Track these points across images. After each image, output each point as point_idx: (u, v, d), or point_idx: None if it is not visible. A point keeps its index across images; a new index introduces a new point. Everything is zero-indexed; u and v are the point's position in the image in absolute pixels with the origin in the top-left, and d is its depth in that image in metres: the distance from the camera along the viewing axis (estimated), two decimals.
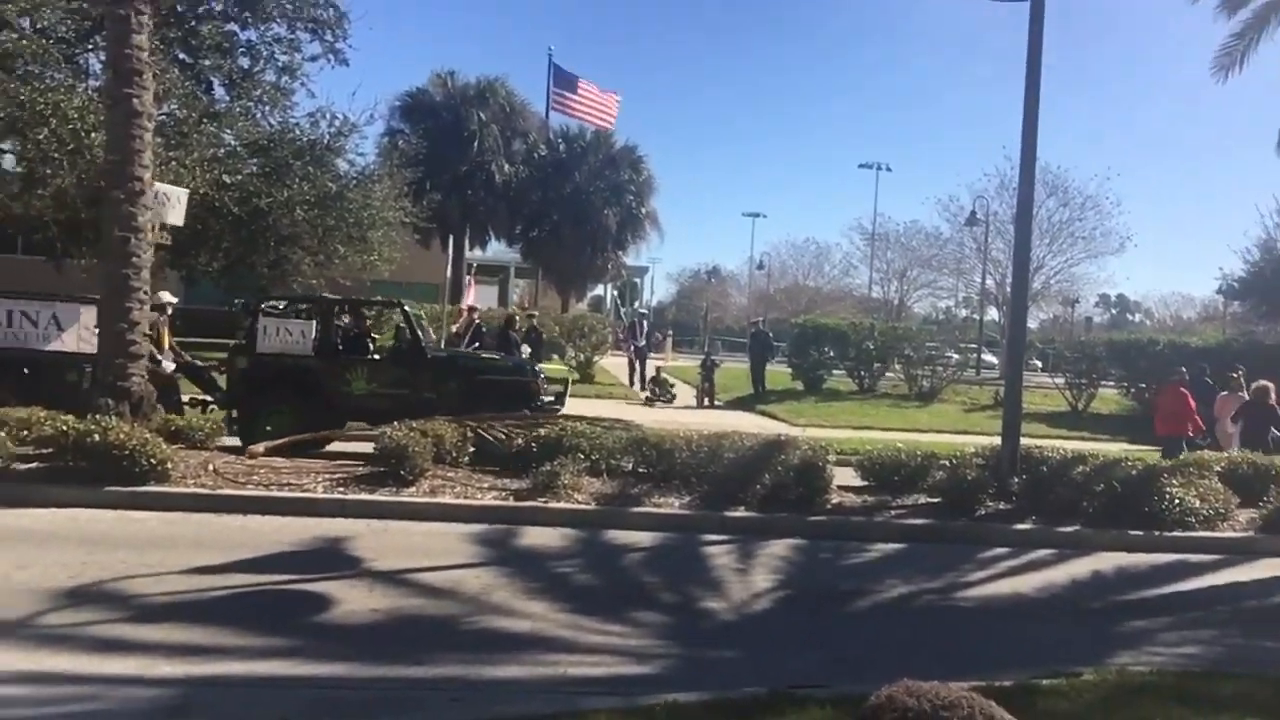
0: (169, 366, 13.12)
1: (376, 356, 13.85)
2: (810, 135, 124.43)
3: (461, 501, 9.52)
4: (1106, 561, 9.10)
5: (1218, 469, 11.33)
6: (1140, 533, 9.81)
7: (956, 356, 31.76)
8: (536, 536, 8.80)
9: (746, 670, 5.78)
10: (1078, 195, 42.44)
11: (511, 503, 9.55)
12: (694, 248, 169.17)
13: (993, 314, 48.32)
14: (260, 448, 10.93)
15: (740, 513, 9.71)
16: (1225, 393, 15.31)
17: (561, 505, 9.50)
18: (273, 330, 13.09)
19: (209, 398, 13.30)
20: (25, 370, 12.04)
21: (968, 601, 7.85)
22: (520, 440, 10.76)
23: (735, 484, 9.99)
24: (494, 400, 12.53)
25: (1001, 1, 11.71)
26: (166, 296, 14.45)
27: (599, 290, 58.41)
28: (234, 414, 12.58)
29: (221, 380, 13.66)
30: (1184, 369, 16.40)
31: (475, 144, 36.36)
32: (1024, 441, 11.34)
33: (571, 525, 9.19)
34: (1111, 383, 26.21)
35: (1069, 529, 9.86)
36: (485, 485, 9.96)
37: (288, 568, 7.43)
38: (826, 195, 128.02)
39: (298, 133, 21.59)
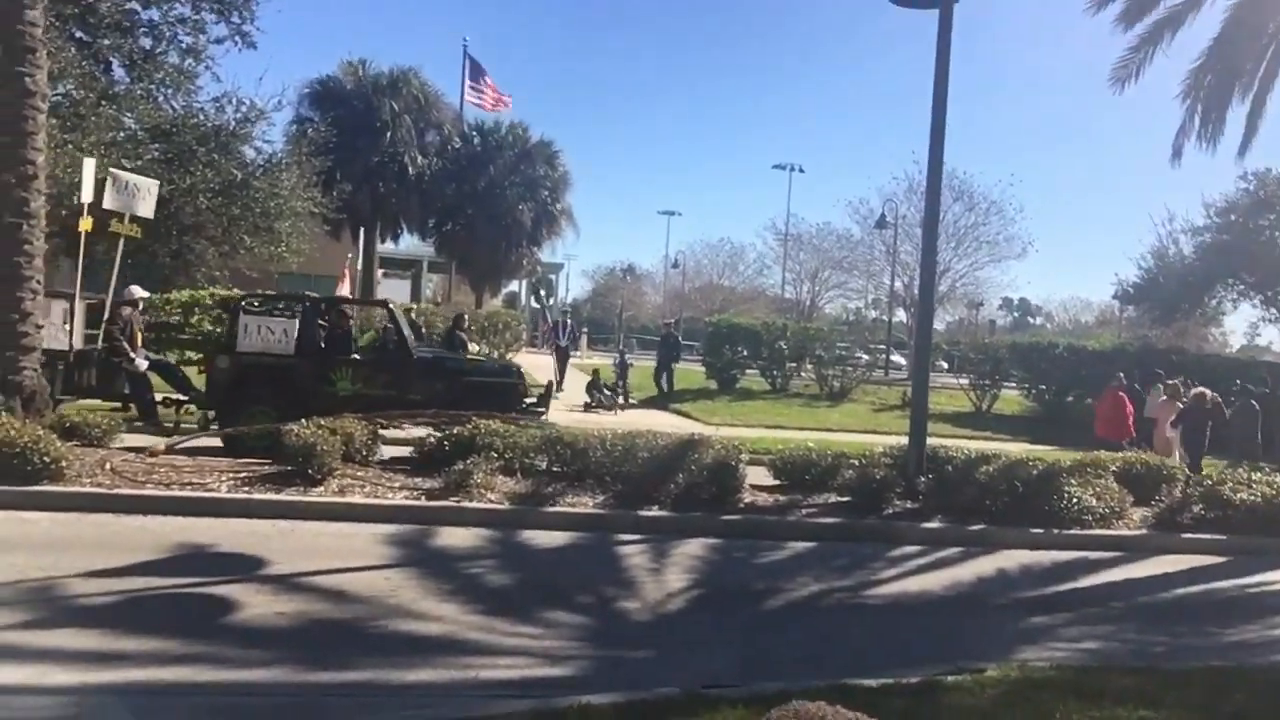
0: (142, 364, 12.68)
1: (360, 357, 13.45)
2: (726, 135, 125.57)
3: (371, 501, 9.33)
4: (1010, 559, 9.36)
5: (1113, 469, 11.75)
6: (1041, 530, 10.10)
7: (866, 357, 32.36)
8: (449, 537, 8.67)
9: (660, 670, 5.77)
10: (982, 200, 43.56)
11: (423, 502, 9.39)
12: (610, 245, 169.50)
13: (901, 315, 49.27)
14: (162, 445, 10.57)
15: (654, 512, 9.71)
16: (1164, 398, 16.08)
17: (474, 505, 9.38)
18: (254, 329, 12.63)
19: (183, 396, 12.86)
20: None
21: (877, 599, 7.98)
22: (432, 438, 10.61)
23: (649, 483, 9.99)
24: (480, 402, 12.31)
25: (911, 9, 11.89)
26: (138, 292, 14.01)
27: (514, 286, 58.01)
28: (211, 414, 12.30)
29: (198, 379, 13.26)
30: (1123, 375, 17.34)
31: (388, 134, 35.72)
32: (931, 441, 11.61)
33: (484, 525, 9.08)
34: (1014, 384, 27.02)
35: (974, 527, 10.10)
36: (396, 484, 9.78)
37: (190, 570, 7.18)
38: (741, 195, 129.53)
39: (202, 118, 20.89)
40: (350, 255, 20.11)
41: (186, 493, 9.08)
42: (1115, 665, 6.12)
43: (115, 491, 8.94)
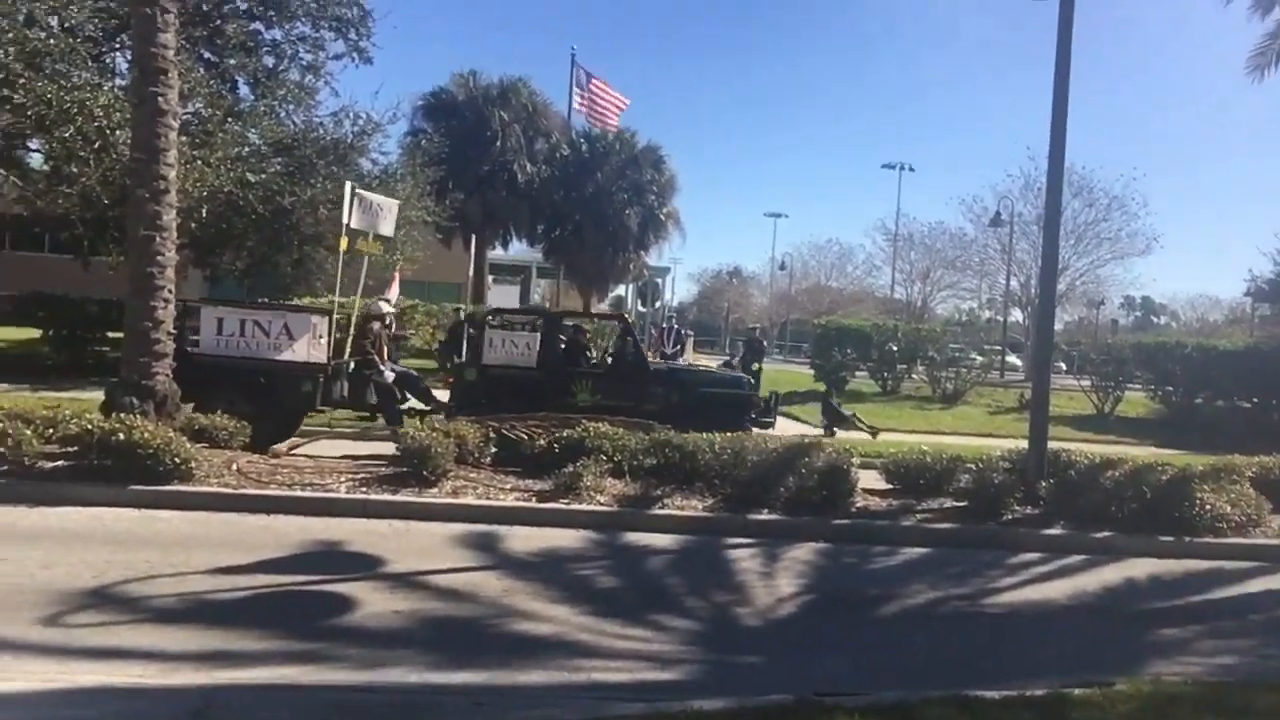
0: (389, 376, 13.33)
1: (599, 370, 14.08)
2: (833, 135, 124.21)
3: (484, 502, 9.47)
4: (1138, 568, 8.96)
5: (1249, 474, 11.16)
6: (1171, 539, 9.65)
7: (980, 358, 31.56)
8: (559, 538, 8.74)
9: (772, 676, 5.70)
10: (1103, 196, 42.19)
11: (534, 504, 9.49)
12: (715, 248, 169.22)
13: (1016, 315, 47.92)
14: (284, 447, 10.93)
15: (764, 515, 9.62)
16: None
17: (584, 507, 9.43)
18: (498, 342, 13.38)
19: (426, 407, 13.47)
20: (261, 380, 12.27)
21: (996, 608, 7.73)
22: (543, 441, 10.71)
23: (759, 486, 9.90)
24: (714, 413, 12.66)
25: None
26: (386, 307, 14.88)
27: (620, 290, 58.41)
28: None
29: (439, 391, 14.03)
30: None
31: (497, 144, 36.31)
32: (1051, 445, 11.21)
33: (594, 527, 9.13)
34: (1138, 385, 25.94)
35: (1099, 535, 9.71)
36: (508, 486, 9.91)
37: (310, 568, 7.40)
38: (849, 196, 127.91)
39: (321, 132, 21.60)
40: (400, 260, 20.39)
41: (308, 493, 9.36)
42: (1256, 681, 5.79)
43: (240, 491, 9.27)
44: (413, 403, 13.37)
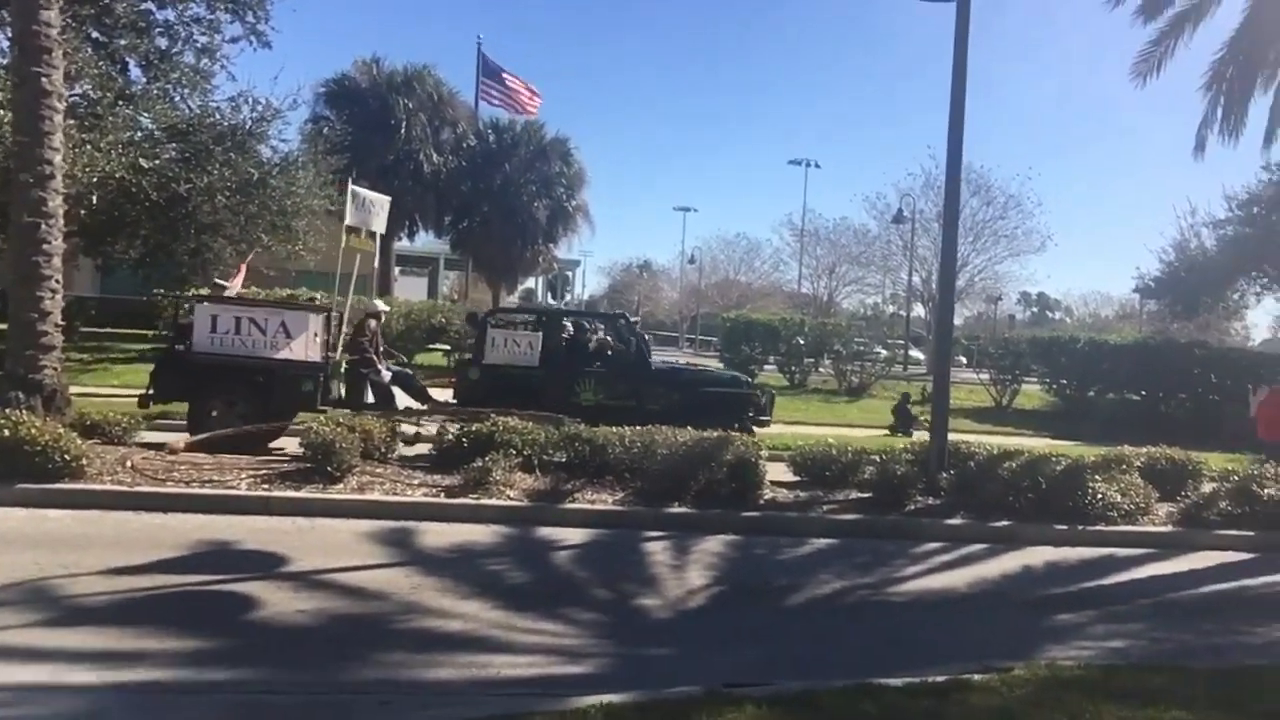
0: (386, 375, 13.18)
1: (602, 369, 14.01)
2: (742, 131, 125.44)
3: (391, 498, 9.31)
4: (1035, 556, 9.26)
5: (1138, 464, 11.62)
6: (1066, 527, 9.99)
7: (885, 352, 32.23)
8: (468, 534, 8.64)
9: (682, 668, 5.72)
10: (1000, 194, 43.35)
11: (442, 499, 9.36)
12: (626, 241, 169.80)
13: (919, 310, 49.07)
14: (181, 443, 10.58)
15: (675, 509, 9.66)
16: None
17: (494, 502, 9.35)
18: (501, 342, 13.48)
19: (422, 406, 13.28)
20: (260, 380, 11.95)
21: (900, 596, 7.90)
22: (451, 435, 10.58)
23: (670, 480, 9.93)
24: (716, 412, 12.86)
25: (928, 1, 11.78)
26: (380, 305, 14.82)
27: (530, 283, 58.02)
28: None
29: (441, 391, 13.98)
30: None
31: (402, 132, 35.66)
32: (951, 437, 11.50)
33: (504, 522, 9.05)
34: (1034, 379, 26.83)
35: (998, 524, 10.00)
36: (415, 482, 9.76)
37: (210, 568, 7.17)
38: (758, 191, 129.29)
39: (218, 117, 20.90)
40: (249, 252, 20.05)
41: (207, 490, 9.08)
42: (1145, 664, 6.03)
43: (135, 489, 8.95)
44: (409, 402, 13.25)
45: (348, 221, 13.55)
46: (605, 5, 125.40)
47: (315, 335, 12.09)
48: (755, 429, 13.23)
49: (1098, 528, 10.06)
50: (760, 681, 5.21)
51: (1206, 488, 11.44)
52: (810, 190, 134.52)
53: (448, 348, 26.25)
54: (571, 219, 40.20)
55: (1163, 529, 10.41)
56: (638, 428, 10.70)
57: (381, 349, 13.43)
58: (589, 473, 10.24)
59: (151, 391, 12.06)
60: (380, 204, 14.29)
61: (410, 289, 45.04)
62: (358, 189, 14.10)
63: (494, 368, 13.17)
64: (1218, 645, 6.89)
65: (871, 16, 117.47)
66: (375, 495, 9.35)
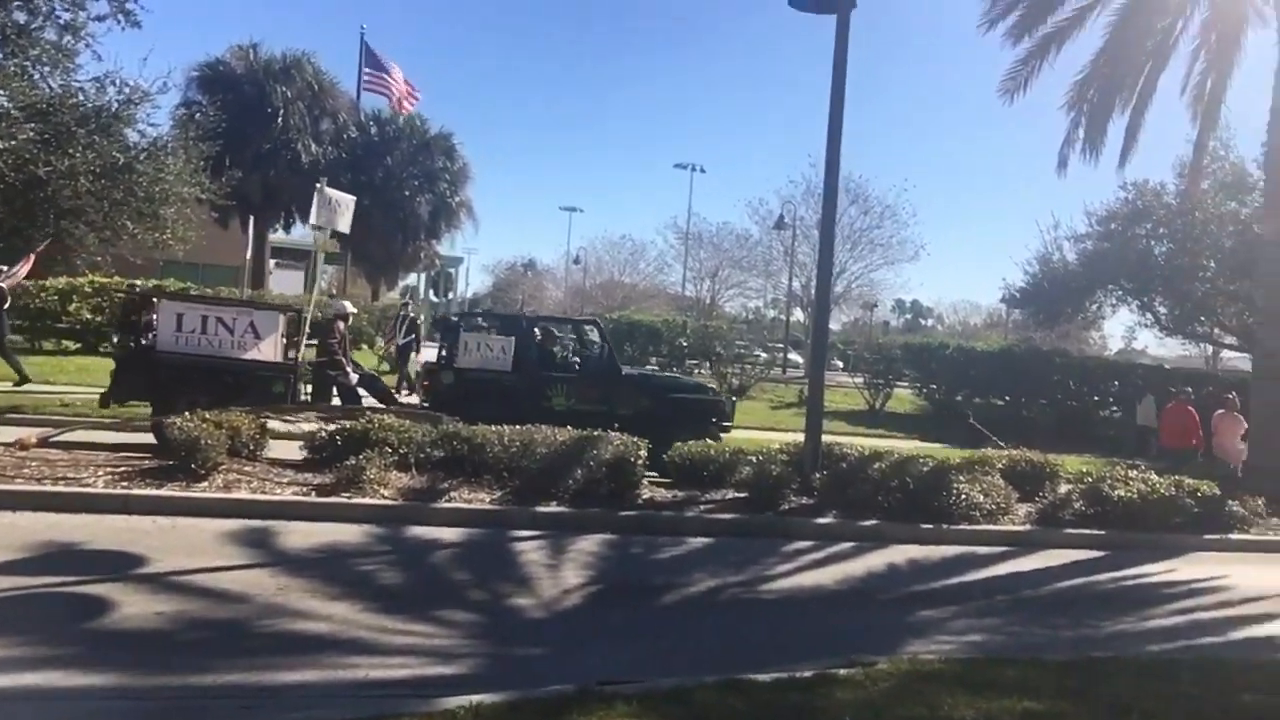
0: (354, 377, 13.06)
1: (573, 374, 14.08)
2: (628, 133, 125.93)
3: (258, 497, 9.01)
4: (901, 554, 9.56)
5: (999, 466, 12.12)
6: (931, 526, 10.35)
7: (765, 355, 32.85)
8: (339, 533, 8.43)
9: (555, 668, 5.70)
10: (877, 204, 44.63)
11: (313, 498, 9.12)
12: (511, 240, 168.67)
13: (799, 315, 50.13)
14: (33, 438, 10.05)
15: (552, 508, 9.63)
16: (1221, 411, 16.74)
17: (367, 501, 9.15)
18: (474, 346, 13.40)
19: (385, 408, 12.88)
20: (228, 381, 11.57)
21: (772, 594, 8.05)
22: (324, 433, 10.32)
23: (547, 479, 9.90)
24: (686, 418, 13.12)
25: (811, 14, 12.03)
26: (349, 306, 14.78)
27: (411, 279, 57.08)
28: None
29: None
30: (1190, 389, 18.12)
31: (280, 121, 34.65)
32: (826, 439, 11.79)
33: (377, 521, 8.86)
34: (906, 383, 27.71)
35: (867, 523, 10.29)
36: (285, 480, 9.49)
37: (61, 569, 6.82)
38: (643, 193, 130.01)
39: (81, 98, 19.85)
40: (114, 240, 19.45)
41: (60, 488, 8.62)
42: (999, 657, 6.28)
43: None
44: (374, 405, 12.99)
45: (313, 221, 13.48)
46: (492, 3, 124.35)
47: (282, 336, 11.96)
48: (720, 435, 13.37)
49: (961, 526, 10.45)
50: (633, 679, 5.23)
51: (1063, 489, 12.01)
52: (695, 194, 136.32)
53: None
54: (455, 215, 39.76)
55: (1022, 528, 10.89)
56: (516, 427, 10.64)
57: (349, 351, 13.53)
58: (467, 471, 10.13)
59: (111, 390, 11.78)
60: (345, 204, 14.15)
61: (286, 283, 43.68)
62: (327, 189, 14.04)
63: (467, 371, 13.16)
64: (1069, 638, 7.24)
65: (756, 23, 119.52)
66: (242, 494, 9.04)
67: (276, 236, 40.27)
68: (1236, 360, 37.54)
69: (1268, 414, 14.86)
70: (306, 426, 10.86)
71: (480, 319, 15.83)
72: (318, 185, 13.82)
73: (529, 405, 12.51)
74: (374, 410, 10.72)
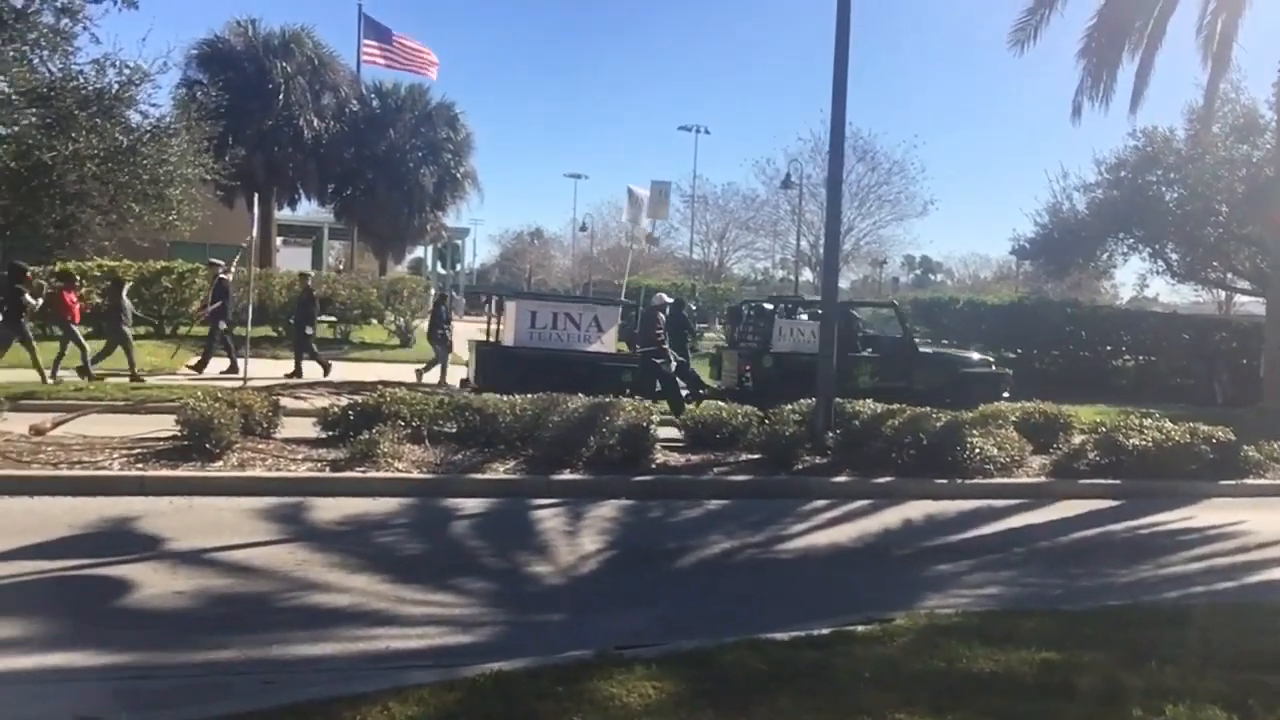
0: (672, 365, 14.29)
1: (876, 354, 15.27)
2: (632, 97, 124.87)
3: (274, 474, 9.06)
4: (916, 510, 9.57)
5: (1013, 419, 12.09)
6: (945, 481, 10.36)
7: None
8: (356, 507, 8.49)
9: (574, 633, 5.74)
10: (885, 160, 44.35)
11: (328, 473, 9.17)
12: (517, 209, 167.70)
13: (807, 274, 49.91)
14: (48, 423, 10.12)
15: (567, 475, 9.66)
16: None
17: (382, 474, 9.20)
18: (787, 331, 14.80)
19: (698, 392, 14.74)
20: (581, 372, 12.61)
21: (788, 553, 8.07)
22: (337, 408, 10.36)
23: (561, 447, 9.93)
24: (974, 390, 13.96)
25: None
26: (666, 298, 16.25)
27: (419, 252, 56.97)
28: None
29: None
30: None
31: (281, 97, 34.37)
32: (837, 398, 11.77)
33: (393, 494, 8.92)
34: (917, 339, 27.60)
35: (881, 480, 10.30)
36: (299, 456, 9.53)
37: (82, 552, 6.88)
38: (648, 157, 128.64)
39: (82, 80, 19.79)
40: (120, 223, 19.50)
41: (76, 472, 8.69)
42: (1016, 609, 6.30)
43: None
44: (685, 390, 14.50)
45: (630, 219, 15.95)
46: None
47: (617, 328, 13.44)
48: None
49: (975, 480, 10.45)
50: (652, 642, 5.26)
51: (1077, 439, 11.98)
52: (700, 156, 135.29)
53: (333, 319, 25.65)
54: (460, 186, 39.48)
55: (1036, 480, 10.88)
56: (529, 395, 10.67)
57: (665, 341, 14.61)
58: (480, 442, 10.17)
59: (474, 379, 13.40)
60: (644, 197, 16.16)
61: (293, 260, 43.63)
62: (631, 187, 15.74)
63: (782, 355, 14.17)
64: (1086, 588, 7.25)
65: None
66: (257, 471, 9.09)
67: (282, 214, 40.14)
68: (1250, 304, 37.28)
69: (1279, 357, 14.76)
70: (319, 403, 10.90)
71: (795, 306, 17.24)
72: (629, 188, 15.32)
73: (838, 384, 13.06)
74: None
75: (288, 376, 17.10)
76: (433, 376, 17.70)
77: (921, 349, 15.72)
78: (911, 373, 14.87)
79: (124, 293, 16.59)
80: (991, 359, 17.19)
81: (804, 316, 15.59)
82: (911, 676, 4.73)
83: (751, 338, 15.91)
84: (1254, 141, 24.51)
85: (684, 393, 14.58)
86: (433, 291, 21.78)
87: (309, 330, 18.76)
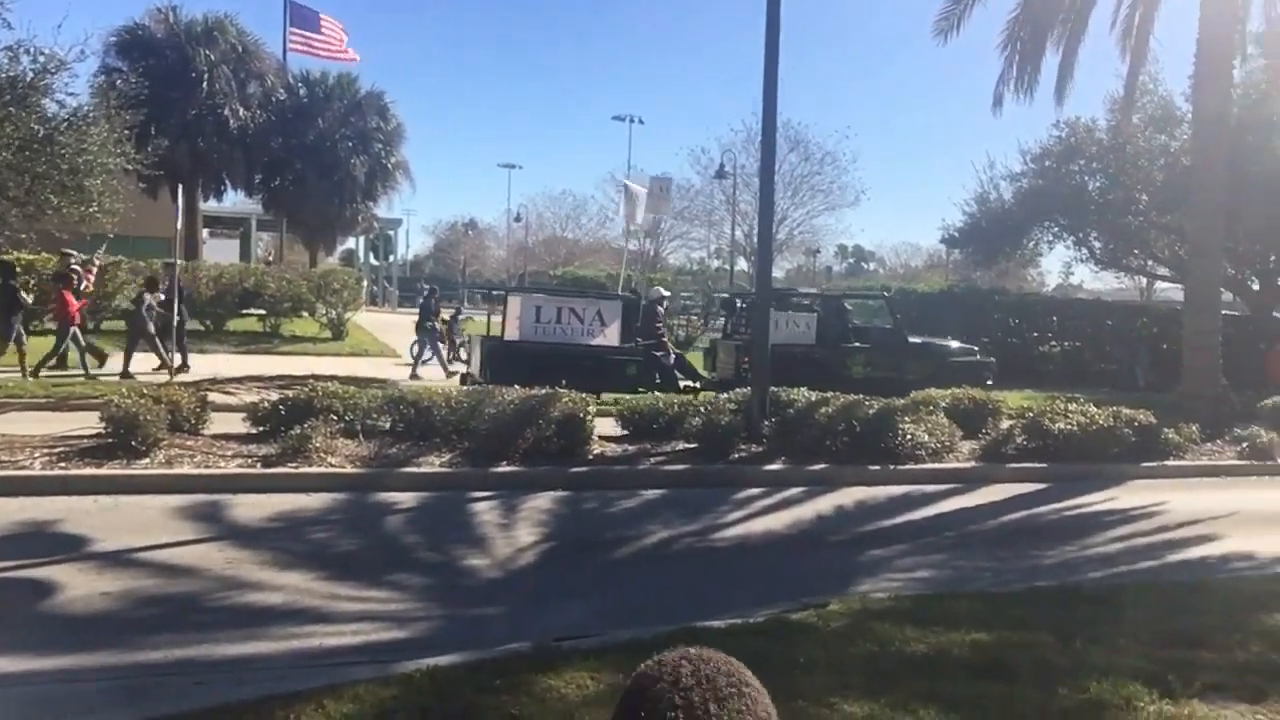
0: (671, 358, 14.81)
1: (865, 344, 15.58)
2: (566, 86, 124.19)
3: (202, 471, 8.88)
4: (849, 496, 9.70)
5: (943, 405, 12.31)
6: (878, 467, 10.51)
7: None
8: (288, 504, 8.35)
9: (511, 626, 5.73)
10: (818, 150, 44.68)
11: (259, 470, 9.00)
12: (450, 200, 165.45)
13: (742, 264, 50.20)
14: None
15: (504, 468, 9.62)
16: None
17: (314, 470, 9.06)
18: (782, 323, 14.60)
19: (694, 384, 14.91)
20: (588, 365, 12.83)
21: (724, 542, 8.13)
22: (266, 403, 10.17)
23: (497, 439, 9.87)
24: (963, 377, 14.09)
25: None
26: (664, 292, 16.94)
27: (350, 243, 56.11)
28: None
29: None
30: None
31: (204, 86, 33.54)
32: (772, 387, 11.87)
33: (326, 490, 8.79)
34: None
35: (815, 467, 10.42)
36: (229, 453, 9.34)
37: (2, 554, 6.67)
38: (583, 147, 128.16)
39: None
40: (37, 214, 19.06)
41: None
42: (948, 592, 6.43)
43: None
44: (685, 383, 14.64)
45: (627, 217, 15.98)
46: None
47: (620, 322, 13.51)
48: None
49: (907, 466, 10.63)
50: (589, 633, 5.27)
51: (1005, 424, 12.24)
52: (634, 146, 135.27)
53: (262, 312, 25.17)
54: (391, 176, 38.94)
55: (966, 465, 11.10)
56: (464, 389, 10.59)
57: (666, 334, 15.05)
58: (415, 436, 10.07)
59: (483, 374, 13.31)
60: (640, 194, 16.06)
61: (221, 252, 42.77)
62: (627, 183, 15.87)
63: (777, 347, 13.79)
64: (1014, 569, 7.42)
65: None
66: (185, 469, 8.89)
67: (208, 205, 39.24)
68: (1170, 291, 38.40)
69: (1198, 342, 15.21)
70: (248, 398, 10.69)
71: (790, 298, 17.44)
72: (624, 182, 15.52)
73: (831, 373, 13.70)
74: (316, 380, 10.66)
75: (169, 370, 16.45)
76: (426, 371, 17.98)
77: (911, 339, 16.02)
78: (902, 362, 15.24)
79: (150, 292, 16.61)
80: (975, 349, 17.53)
81: (799, 309, 16.04)
82: (846, 661, 4.80)
83: (746, 329, 16.03)
84: (1171, 132, 25.23)
85: (683, 384, 14.77)
86: (423, 286, 21.90)
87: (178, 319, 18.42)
